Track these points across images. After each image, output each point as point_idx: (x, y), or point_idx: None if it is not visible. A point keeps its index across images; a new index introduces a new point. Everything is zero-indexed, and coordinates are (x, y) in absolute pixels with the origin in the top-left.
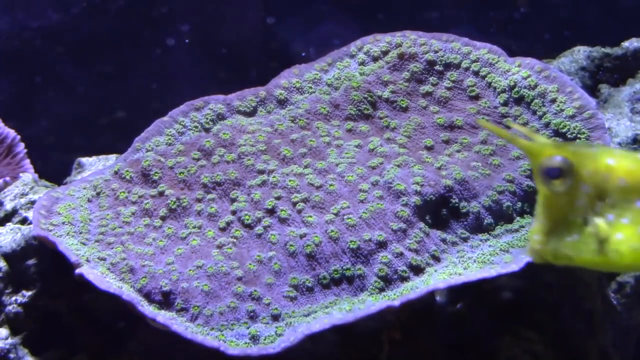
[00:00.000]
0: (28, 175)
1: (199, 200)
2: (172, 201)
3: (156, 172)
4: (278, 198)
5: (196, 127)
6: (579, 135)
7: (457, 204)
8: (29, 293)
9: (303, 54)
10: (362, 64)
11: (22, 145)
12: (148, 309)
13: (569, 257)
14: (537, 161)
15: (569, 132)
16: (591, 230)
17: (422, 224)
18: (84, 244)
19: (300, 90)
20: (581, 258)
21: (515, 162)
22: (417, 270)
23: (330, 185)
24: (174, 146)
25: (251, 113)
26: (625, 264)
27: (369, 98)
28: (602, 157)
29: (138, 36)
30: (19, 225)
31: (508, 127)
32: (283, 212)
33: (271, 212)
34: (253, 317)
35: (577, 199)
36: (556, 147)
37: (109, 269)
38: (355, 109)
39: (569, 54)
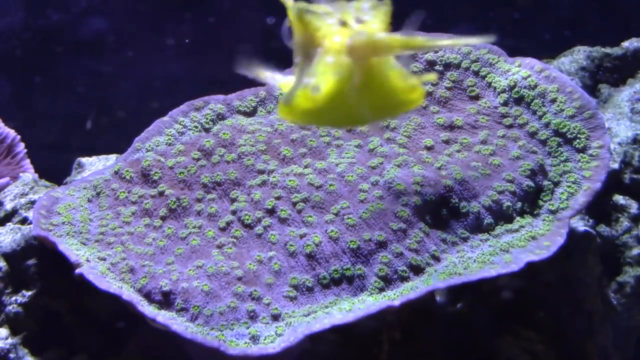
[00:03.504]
0: (28, 175)
1: (199, 200)
2: (172, 201)
3: (156, 172)
4: (278, 198)
5: (196, 127)
6: (579, 135)
7: (457, 204)
8: (29, 293)
9: None
10: None
11: (22, 145)
12: (148, 309)
13: None
14: None
15: (568, 132)
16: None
17: (422, 224)
18: (84, 244)
19: None
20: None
21: (515, 162)
22: (417, 270)
23: (330, 185)
24: (174, 146)
25: (251, 113)
26: (281, 114)
27: None
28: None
29: (138, 36)
30: (19, 225)
31: (508, 127)
32: (283, 212)
33: (271, 212)
34: (253, 317)
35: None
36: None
37: (109, 269)
38: None
39: (569, 54)
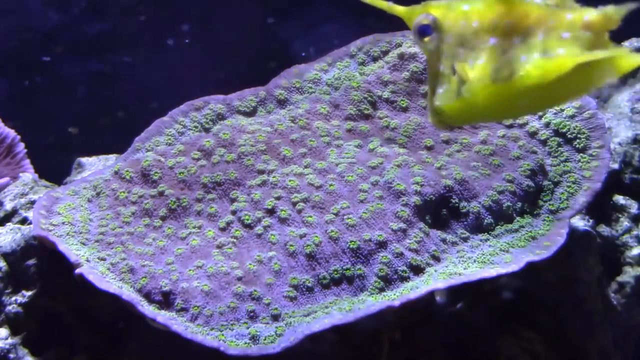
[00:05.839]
0: (28, 175)
1: (198, 200)
2: (172, 201)
3: (156, 172)
4: (278, 198)
5: (196, 127)
6: (579, 135)
7: (457, 204)
8: (29, 293)
9: (303, 54)
10: (362, 64)
11: (22, 145)
12: (148, 309)
13: (441, 110)
14: (412, 24)
15: (569, 132)
16: (455, 77)
17: (422, 224)
18: (83, 244)
19: (300, 90)
20: (447, 106)
21: (515, 162)
22: (417, 270)
23: (330, 185)
24: (174, 146)
25: (251, 113)
26: (478, 101)
27: (369, 98)
28: (459, 5)
29: (138, 36)
30: (19, 225)
31: (508, 127)
32: (283, 212)
33: (271, 212)
34: (253, 317)
35: (444, 51)
36: (423, 6)
37: (108, 269)
38: (355, 109)
39: None
